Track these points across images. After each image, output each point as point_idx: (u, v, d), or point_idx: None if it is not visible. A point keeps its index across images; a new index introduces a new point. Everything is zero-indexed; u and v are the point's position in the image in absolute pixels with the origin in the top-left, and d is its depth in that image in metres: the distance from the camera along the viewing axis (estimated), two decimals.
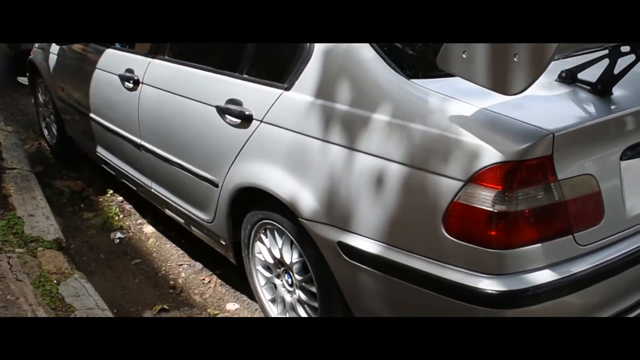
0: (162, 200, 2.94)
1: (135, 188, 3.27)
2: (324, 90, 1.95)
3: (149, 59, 2.82)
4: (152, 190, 2.99)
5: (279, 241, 2.23)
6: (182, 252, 3.17)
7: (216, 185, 2.40)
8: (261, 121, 2.14)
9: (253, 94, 2.20)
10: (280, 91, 2.09)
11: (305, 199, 1.97)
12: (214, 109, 2.33)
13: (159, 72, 2.74)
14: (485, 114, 1.64)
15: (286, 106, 2.06)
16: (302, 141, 1.99)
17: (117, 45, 3.17)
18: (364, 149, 1.81)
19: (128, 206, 3.64)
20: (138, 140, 2.93)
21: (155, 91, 2.74)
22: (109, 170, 3.53)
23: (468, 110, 1.65)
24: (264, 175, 2.12)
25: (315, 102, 1.96)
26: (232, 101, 2.26)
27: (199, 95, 2.44)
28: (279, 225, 2.17)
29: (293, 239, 2.12)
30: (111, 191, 3.78)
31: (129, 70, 2.93)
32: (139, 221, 3.50)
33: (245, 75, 2.26)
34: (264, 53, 2.26)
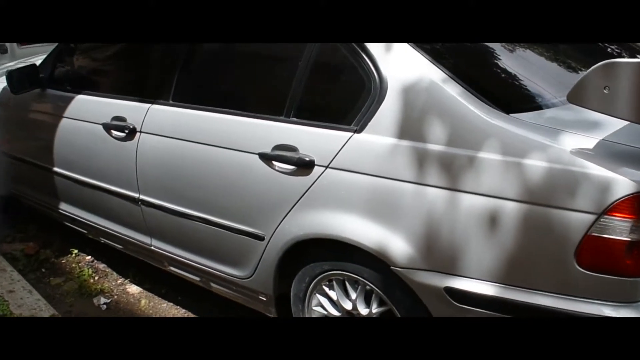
0: (167, 258, 2.68)
1: (120, 246, 2.96)
2: (410, 131, 1.87)
3: (146, 105, 2.57)
4: (152, 247, 2.71)
5: (352, 292, 2.09)
6: (183, 310, 2.91)
7: (261, 239, 2.22)
8: (327, 167, 2.01)
9: (310, 139, 2.06)
10: (347, 134, 1.98)
11: (397, 246, 1.87)
12: (256, 157, 2.16)
13: (166, 118, 2.50)
14: (607, 145, 1.65)
15: (360, 150, 1.95)
16: (388, 186, 1.89)
17: (89, 92, 2.86)
18: (469, 189, 1.75)
19: (101, 266, 3.29)
20: (134, 195, 2.65)
21: (162, 140, 2.49)
22: (77, 228, 3.17)
23: (587, 142, 1.66)
24: (339, 224, 1.99)
25: (399, 144, 1.87)
26: (281, 147, 2.10)
27: (232, 143, 2.25)
28: (354, 276, 2.05)
29: (376, 288, 2.00)
30: (75, 251, 3.39)
31: (118, 118, 2.65)
32: (119, 281, 3.16)
33: (294, 119, 2.12)
34: (314, 94, 2.14)
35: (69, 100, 2.93)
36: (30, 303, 2.57)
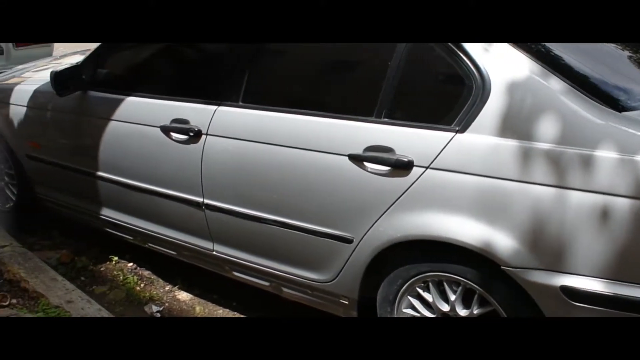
0: (231, 263, 2.62)
1: (172, 252, 2.88)
2: (517, 130, 1.87)
3: (212, 107, 2.51)
4: (214, 252, 2.65)
5: (451, 294, 2.08)
6: (241, 315, 2.85)
7: (348, 242, 2.19)
8: (427, 168, 1.99)
9: (407, 140, 2.04)
10: (449, 134, 1.96)
11: (507, 246, 1.87)
12: (346, 158, 2.13)
13: (236, 120, 2.44)
14: None
15: (464, 150, 1.94)
16: (495, 185, 1.88)
17: (141, 93, 2.77)
18: (580, 187, 1.76)
19: (146, 272, 3.20)
20: (197, 199, 2.58)
21: (233, 143, 2.43)
22: (120, 234, 3.07)
23: None
24: (443, 225, 1.98)
25: (507, 143, 1.87)
26: (375, 148, 2.08)
27: (318, 145, 2.21)
28: (455, 277, 2.03)
29: (481, 289, 1.99)
30: (115, 258, 3.29)
31: (180, 121, 2.57)
32: (167, 288, 3.08)
33: (386, 119, 2.10)
34: (408, 94, 2.12)
35: (116, 102, 2.83)
36: (92, 314, 2.48)
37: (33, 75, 3.53)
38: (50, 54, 5.75)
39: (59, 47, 6.80)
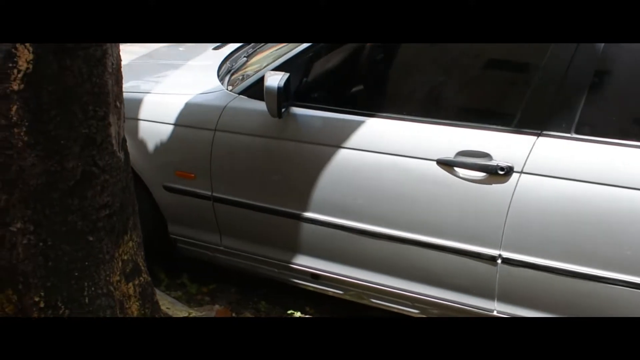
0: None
1: (415, 310, 2.33)
2: None
3: (527, 137, 1.98)
4: (495, 313, 2.14)
5: None
6: None
7: None
8: None
9: None
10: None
11: None
12: None
13: (571, 156, 1.94)
14: None
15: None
16: None
17: (391, 114, 2.17)
18: None
19: None
20: (490, 251, 2.06)
21: (565, 185, 1.93)
22: (320, 287, 2.45)
23: None
24: None
25: None
26: None
27: None
28: None
29: None
30: (298, 314, 2.64)
31: (472, 154, 2.03)
32: None
33: None
34: None
35: (346, 124, 2.20)
36: None
37: (164, 82, 2.73)
38: None
39: None
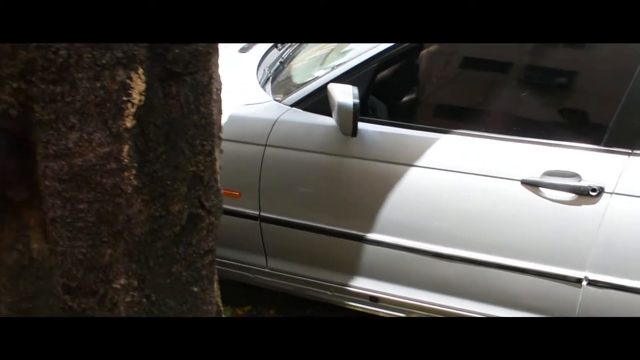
0: None
1: None
2: None
3: (621, 156, 1.91)
4: None
5: None
6: None
7: None
8: None
9: None
10: None
11: None
12: None
13: None
14: None
15: None
16: None
17: (467, 131, 2.05)
18: None
19: None
20: (576, 273, 2.00)
21: None
22: (375, 309, 2.32)
23: None
24: None
25: None
26: None
27: None
28: None
29: None
30: None
31: (560, 174, 1.94)
32: None
33: None
34: None
35: (422, 141, 2.07)
36: None
37: None
38: None
39: None
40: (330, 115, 2.09)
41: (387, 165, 2.09)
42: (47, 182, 1.21)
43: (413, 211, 2.10)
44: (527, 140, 1.99)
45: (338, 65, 2.19)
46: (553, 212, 1.96)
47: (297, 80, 2.33)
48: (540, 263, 2.02)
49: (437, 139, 2.05)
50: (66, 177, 1.20)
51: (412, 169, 2.06)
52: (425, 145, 2.05)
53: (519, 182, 1.97)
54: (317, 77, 2.21)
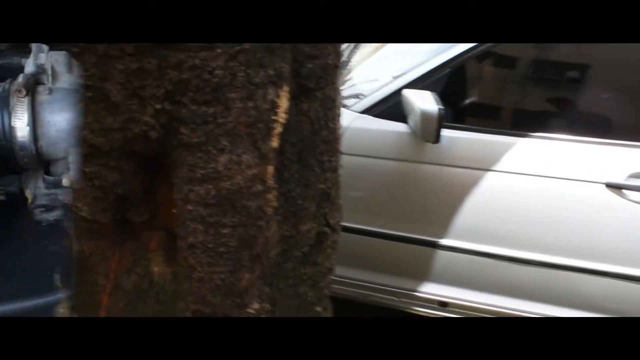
0: None
1: None
2: None
3: None
4: None
5: None
6: None
7: None
8: None
9: None
10: None
11: None
12: None
13: None
14: None
15: None
16: None
17: (548, 134, 2.03)
18: None
19: None
20: None
21: None
22: (441, 314, 2.30)
23: None
24: None
25: None
26: None
27: None
28: None
29: None
30: None
31: None
32: None
33: None
34: None
35: (502, 146, 2.04)
36: None
37: None
38: None
39: None
40: (402, 121, 2.05)
41: (468, 171, 2.05)
42: (189, 207, 1.15)
43: (490, 216, 2.08)
44: (611, 142, 1.97)
45: (407, 72, 2.15)
46: (638, 215, 1.95)
47: (361, 87, 2.29)
48: (624, 265, 2.01)
49: (519, 143, 2.02)
50: (212, 202, 1.14)
51: (494, 174, 2.03)
52: (507, 150, 2.02)
53: (604, 185, 1.96)
54: (386, 84, 2.17)
